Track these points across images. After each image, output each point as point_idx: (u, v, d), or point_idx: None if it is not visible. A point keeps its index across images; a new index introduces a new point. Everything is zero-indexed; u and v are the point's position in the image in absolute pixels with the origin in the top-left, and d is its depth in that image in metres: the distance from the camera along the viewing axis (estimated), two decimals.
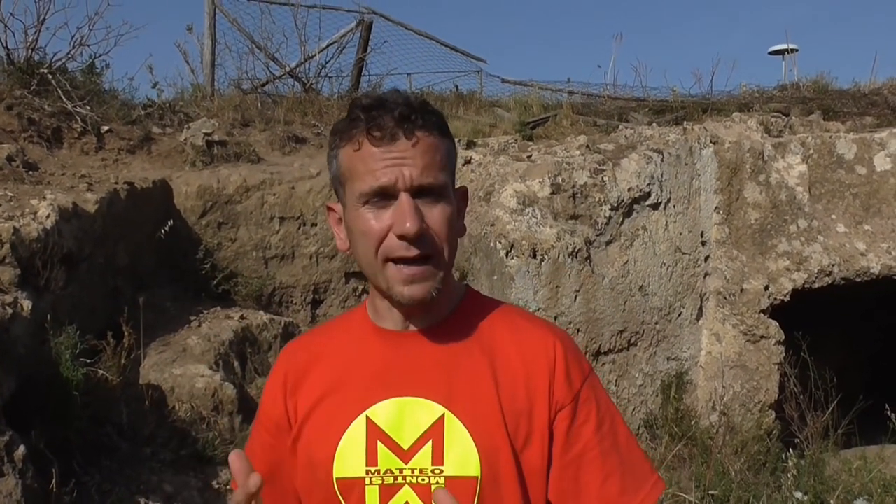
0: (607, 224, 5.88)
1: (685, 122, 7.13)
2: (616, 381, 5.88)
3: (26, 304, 3.88)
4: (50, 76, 6.09)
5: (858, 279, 6.35)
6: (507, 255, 5.53)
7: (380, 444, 1.31)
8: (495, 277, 5.59)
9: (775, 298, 6.22)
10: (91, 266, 4.66)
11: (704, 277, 6.33)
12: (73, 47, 6.45)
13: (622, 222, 5.95)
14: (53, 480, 3.43)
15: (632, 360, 5.97)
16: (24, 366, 3.70)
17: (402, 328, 1.38)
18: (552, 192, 5.80)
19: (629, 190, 5.99)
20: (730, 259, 6.32)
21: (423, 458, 1.29)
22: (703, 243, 6.34)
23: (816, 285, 6.29)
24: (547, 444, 1.32)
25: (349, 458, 1.31)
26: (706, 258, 6.34)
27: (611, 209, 5.90)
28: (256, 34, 8.51)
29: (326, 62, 8.69)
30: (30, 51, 6.22)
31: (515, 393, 1.33)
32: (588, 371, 1.40)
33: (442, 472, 1.29)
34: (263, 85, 8.40)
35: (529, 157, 6.30)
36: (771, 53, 13.23)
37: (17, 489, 3.24)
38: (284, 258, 5.92)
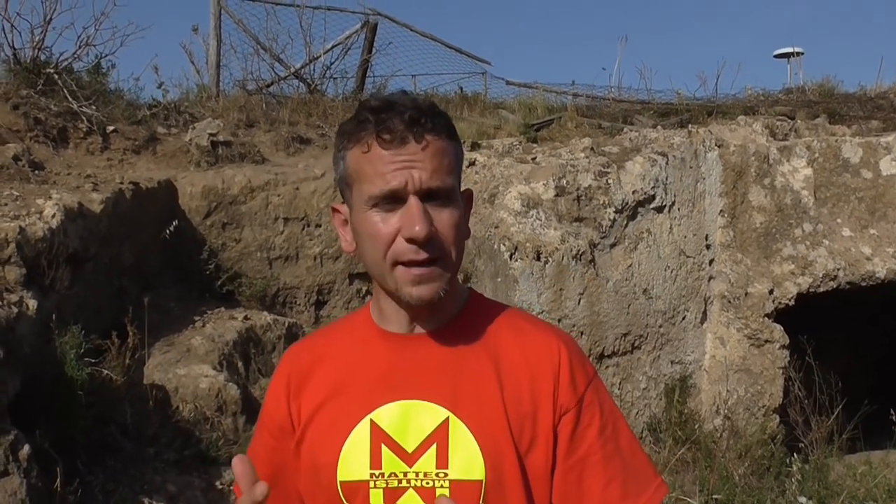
0: (611, 227, 5.87)
1: (690, 125, 7.12)
2: (620, 384, 5.87)
3: (31, 304, 3.88)
4: (56, 76, 6.10)
5: (864, 283, 6.33)
6: (510, 257, 5.52)
7: (384, 448, 1.30)
8: (499, 279, 5.59)
9: (780, 302, 6.21)
10: (96, 266, 4.67)
11: (709, 281, 6.32)
12: (80, 47, 6.47)
13: (626, 225, 5.95)
14: (58, 480, 3.44)
15: (635, 363, 5.96)
16: (30, 365, 3.71)
17: (407, 331, 1.37)
18: (556, 195, 5.80)
19: (633, 193, 5.98)
20: (734, 263, 6.31)
21: (428, 461, 1.29)
22: (708, 247, 6.33)
23: (821, 289, 6.28)
24: (551, 447, 1.32)
25: (353, 462, 1.31)
26: (710, 262, 6.34)
27: (615, 212, 5.89)
28: (262, 35, 8.52)
29: (331, 63, 8.69)
30: (36, 50, 6.24)
31: (520, 396, 1.33)
32: (592, 374, 1.39)
33: (446, 475, 1.28)
34: (268, 86, 8.40)
35: (534, 159, 6.30)
36: (776, 56, 13.21)
37: (22, 488, 3.25)
38: (288, 259, 5.93)
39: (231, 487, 4.10)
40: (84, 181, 5.10)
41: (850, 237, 6.40)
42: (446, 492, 1.27)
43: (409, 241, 1.26)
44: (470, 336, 1.37)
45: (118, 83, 7.47)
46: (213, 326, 5.10)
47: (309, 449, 1.36)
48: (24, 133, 5.63)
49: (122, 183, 5.19)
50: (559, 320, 5.49)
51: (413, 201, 1.26)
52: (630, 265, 5.90)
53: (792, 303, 6.23)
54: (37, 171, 5.09)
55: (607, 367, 5.79)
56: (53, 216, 4.28)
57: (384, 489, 1.29)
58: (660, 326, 6.05)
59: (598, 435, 1.34)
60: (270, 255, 5.87)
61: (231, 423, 4.55)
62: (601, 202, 5.88)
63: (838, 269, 6.26)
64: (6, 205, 4.30)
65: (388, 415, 1.32)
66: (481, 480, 1.28)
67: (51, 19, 6.23)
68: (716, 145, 6.44)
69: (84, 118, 5.99)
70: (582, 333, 5.62)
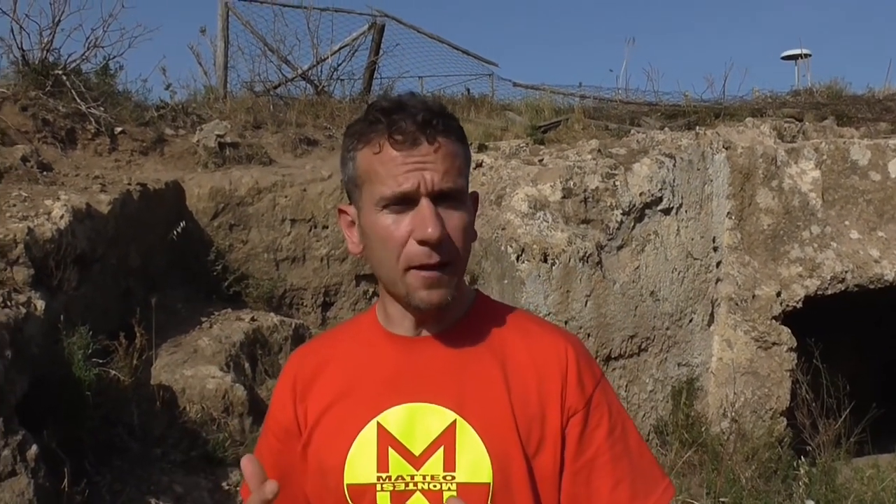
0: (619, 229, 5.86)
1: (697, 127, 7.12)
2: (626, 386, 5.86)
3: (39, 304, 3.90)
4: (64, 77, 6.12)
5: (872, 286, 6.31)
6: (517, 259, 5.52)
7: (391, 451, 1.30)
8: (506, 281, 5.59)
9: (787, 305, 6.19)
10: (104, 267, 4.68)
11: (716, 283, 6.31)
12: (88, 49, 6.49)
13: (633, 227, 5.94)
14: (65, 480, 3.45)
15: (642, 365, 5.95)
16: (37, 365, 3.72)
17: (413, 333, 1.37)
18: (563, 197, 5.79)
19: (641, 195, 5.97)
20: (742, 265, 6.30)
21: (435, 464, 1.29)
22: (715, 249, 6.32)
23: (829, 292, 6.26)
24: (559, 449, 1.32)
25: (360, 465, 1.31)
26: (718, 264, 6.32)
27: (622, 214, 5.88)
28: (269, 37, 8.54)
29: (338, 65, 8.70)
30: (44, 52, 6.25)
31: (527, 398, 1.32)
32: (600, 376, 1.39)
33: (454, 478, 1.28)
34: (276, 87, 8.42)
35: (541, 160, 6.29)
36: (784, 58, 13.20)
37: (30, 488, 3.26)
38: (295, 260, 5.93)
39: (238, 489, 4.11)
40: (92, 182, 5.12)
41: (858, 239, 6.38)
42: (454, 495, 1.26)
43: (422, 243, 1.26)
44: (476, 338, 1.37)
45: (126, 85, 7.52)
46: (220, 327, 5.11)
47: (315, 452, 1.36)
48: (32, 134, 5.65)
49: (129, 184, 5.20)
50: (566, 322, 5.49)
51: (425, 203, 1.26)
52: (637, 267, 5.89)
53: (799, 305, 6.21)
54: (45, 173, 5.11)
55: (614, 369, 5.78)
56: (61, 217, 4.29)
57: (391, 492, 1.29)
58: (667, 329, 6.04)
59: (606, 436, 1.33)
60: (277, 256, 5.88)
61: (238, 424, 4.56)
62: (608, 204, 5.87)
63: (846, 272, 6.24)
64: (14, 206, 4.31)
65: (394, 418, 1.32)
66: (489, 483, 1.28)
67: (59, 21, 6.24)
68: (723, 147, 6.43)
69: (92, 119, 6.01)
70: (589, 335, 5.62)
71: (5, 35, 6.23)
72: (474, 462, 1.28)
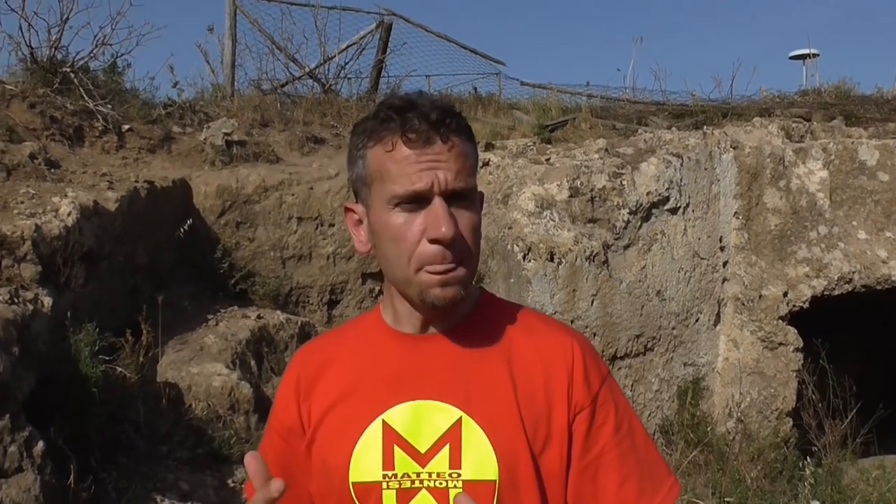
0: (625, 228, 5.86)
1: (705, 127, 7.10)
2: (632, 385, 5.85)
3: (47, 301, 3.91)
4: (72, 75, 6.14)
5: (879, 287, 6.29)
6: (524, 258, 5.52)
7: (396, 448, 1.30)
8: (512, 280, 5.58)
9: (794, 305, 6.18)
10: (111, 264, 4.69)
11: (723, 283, 6.30)
12: (96, 46, 6.50)
13: (640, 226, 5.93)
14: (71, 477, 3.46)
15: (648, 365, 5.94)
16: (44, 362, 3.73)
17: (420, 331, 1.37)
18: (570, 196, 5.79)
19: (648, 194, 5.96)
20: (749, 265, 6.28)
21: (441, 461, 1.28)
22: (722, 249, 6.30)
23: (836, 292, 6.25)
24: (566, 446, 1.31)
25: (365, 463, 1.30)
26: (725, 264, 6.31)
27: (629, 213, 5.88)
28: (277, 35, 8.56)
29: (346, 63, 8.72)
30: (53, 49, 6.27)
31: (534, 395, 1.32)
32: (606, 373, 1.39)
33: (460, 475, 1.28)
34: (283, 85, 8.43)
35: (548, 159, 6.29)
36: (791, 58, 13.16)
37: (36, 485, 3.27)
38: (302, 258, 5.94)
39: (243, 486, 4.11)
40: (99, 180, 5.13)
41: (866, 240, 6.36)
42: (460, 492, 1.26)
43: (435, 242, 1.25)
44: (482, 335, 1.37)
45: (134, 82, 7.53)
46: (227, 325, 5.12)
47: (320, 450, 1.36)
48: (40, 131, 5.67)
49: (137, 182, 5.21)
50: (572, 321, 5.48)
51: (438, 202, 1.25)
52: (644, 267, 5.88)
53: (806, 305, 6.19)
54: (53, 170, 5.12)
55: (620, 368, 5.77)
56: (69, 214, 4.30)
57: (397, 490, 1.29)
58: (673, 328, 6.03)
59: (613, 433, 1.33)
60: (284, 254, 5.89)
61: (243, 421, 4.57)
62: (615, 203, 5.86)
63: (853, 272, 6.22)
64: (22, 203, 4.33)
65: (400, 415, 1.31)
66: (495, 480, 1.27)
67: (67, 18, 6.27)
68: (731, 147, 6.41)
69: (100, 117, 6.02)
70: (595, 335, 5.61)
71: (14, 32, 6.24)
72: (480, 459, 1.28)
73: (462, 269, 1.29)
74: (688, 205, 6.14)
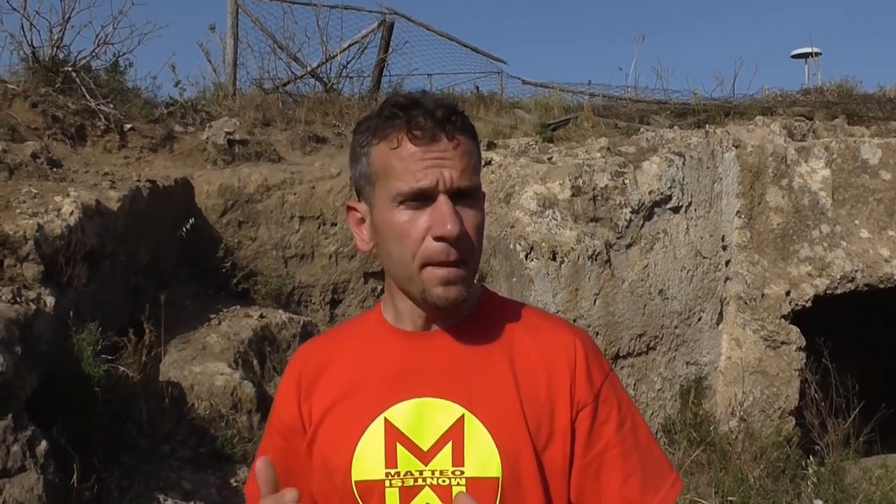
0: (627, 227, 5.85)
1: (707, 126, 7.09)
2: (634, 384, 5.85)
3: (49, 301, 3.91)
4: (74, 74, 6.14)
5: (882, 285, 6.29)
6: (526, 256, 5.52)
7: (399, 446, 1.30)
8: (514, 279, 5.58)
9: (797, 304, 6.17)
10: (113, 263, 4.69)
11: (725, 282, 6.29)
12: (98, 46, 6.51)
13: (643, 225, 5.93)
14: (74, 476, 3.46)
15: (651, 364, 5.94)
16: (47, 362, 3.74)
17: (422, 330, 1.36)
18: (572, 195, 5.78)
19: (650, 193, 5.96)
20: (751, 264, 6.28)
21: (444, 459, 1.28)
22: (724, 247, 6.30)
23: (839, 291, 6.24)
24: (569, 443, 1.31)
25: (368, 461, 1.30)
26: (727, 262, 6.30)
27: (631, 212, 5.87)
28: (279, 34, 8.56)
29: (348, 62, 8.72)
30: (55, 49, 6.28)
31: (536, 393, 1.32)
32: (608, 370, 1.39)
33: (463, 473, 1.27)
34: (285, 84, 8.43)
35: (550, 158, 6.29)
36: (794, 57, 13.13)
37: (39, 484, 3.27)
38: (304, 257, 5.94)
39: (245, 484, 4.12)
40: (101, 179, 5.13)
41: (869, 239, 6.35)
42: (463, 490, 1.26)
43: (440, 239, 1.25)
44: (484, 333, 1.36)
45: (136, 81, 7.54)
46: (229, 324, 5.12)
47: (321, 449, 1.35)
48: (42, 131, 5.67)
49: (139, 181, 5.21)
50: (574, 320, 5.48)
51: (443, 200, 1.25)
52: (646, 266, 5.88)
53: (809, 304, 6.19)
54: (55, 169, 5.13)
55: (622, 367, 5.77)
56: (71, 214, 4.30)
57: (400, 488, 1.29)
58: (675, 327, 6.03)
59: (615, 430, 1.33)
60: (286, 253, 5.89)
61: (246, 420, 4.57)
62: (617, 202, 5.86)
63: (856, 271, 6.21)
64: (25, 202, 4.33)
65: (402, 413, 1.31)
66: (498, 478, 1.27)
67: (69, 18, 6.27)
68: (733, 146, 6.40)
69: (102, 116, 6.03)
70: (597, 334, 5.61)
71: (16, 32, 6.28)
72: (483, 457, 1.28)
73: (465, 268, 1.29)
74: (690, 204, 6.13)
